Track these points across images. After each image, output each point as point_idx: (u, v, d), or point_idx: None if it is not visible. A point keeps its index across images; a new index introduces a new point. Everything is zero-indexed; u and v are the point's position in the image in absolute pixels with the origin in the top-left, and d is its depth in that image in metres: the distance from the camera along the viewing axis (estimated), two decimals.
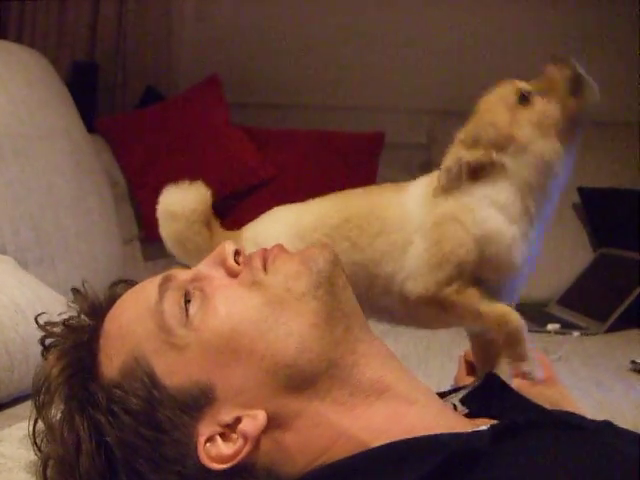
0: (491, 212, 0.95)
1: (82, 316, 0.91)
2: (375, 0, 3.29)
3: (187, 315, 0.82)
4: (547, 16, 3.11)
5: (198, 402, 0.80)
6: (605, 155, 2.98)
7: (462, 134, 1.00)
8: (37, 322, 0.92)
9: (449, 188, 0.97)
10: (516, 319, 0.97)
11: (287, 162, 2.82)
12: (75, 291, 0.94)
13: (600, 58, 3.20)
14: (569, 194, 2.86)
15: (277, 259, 0.87)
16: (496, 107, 0.99)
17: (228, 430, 0.80)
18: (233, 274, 0.86)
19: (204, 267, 0.88)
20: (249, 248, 1.03)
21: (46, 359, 0.87)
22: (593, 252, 2.82)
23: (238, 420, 0.80)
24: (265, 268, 0.86)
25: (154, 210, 2.89)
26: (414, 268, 0.96)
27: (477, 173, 0.97)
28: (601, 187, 2.86)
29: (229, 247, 0.88)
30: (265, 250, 0.89)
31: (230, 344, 0.80)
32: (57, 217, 1.73)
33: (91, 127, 2.57)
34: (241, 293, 0.84)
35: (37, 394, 0.85)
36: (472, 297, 0.96)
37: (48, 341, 0.90)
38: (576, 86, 0.97)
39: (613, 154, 3.00)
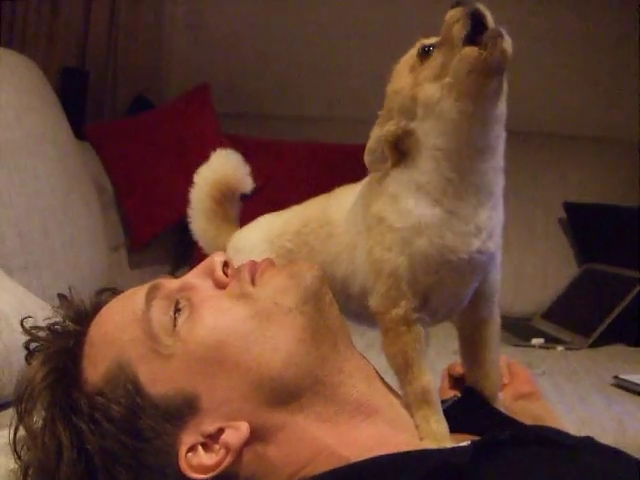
0: (416, 198, 0.85)
1: (67, 322, 0.90)
2: (365, 13, 3.30)
3: (175, 324, 0.83)
4: (539, 31, 3.13)
5: (181, 411, 0.80)
6: (590, 170, 3.00)
7: (379, 117, 0.91)
8: (22, 326, 0.92)
9: (375, 170, 0.90)
10: (432, 401, 0.87)
11: (276, 172, 2.82)
12: (61, 297, 0.94)
13: (584, 75, 3.23)
14: (554, 209, 2.87)
15: (265, 272, 0.87)
16: (400, 72, 0.91)
17: (210, 440, 0.80)
18: (221, 285, 0.87)
19: (192, 277, 0.89)
20: (230, 252, 1.04)
21: (30, 364, 0.87)
22: (578, 267, 2.84)
23: (221, 431, 0.80)
24: (253, 281, 0.86)
25: (141, 218, 2.89)
26: (365, 276, 0.90)
27: (402, 152, 0.88)
28: (586, 202, 2.87)
29: (218, 258, 0.89)
30: (254, 263, 0.89)
31: (216, 355, 0.81)
32: (43, 224, 1.72)
33: (80, 134, 2.57)
34: (229, 305, 0.84)
35: (20, 399, 0.84)
36: (413, 343, 0.87)
37: (32, 345, 0.90)
38: (474, 31, 0.81)
39: (598, 170, 3.02)
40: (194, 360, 0.81)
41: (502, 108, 0.85)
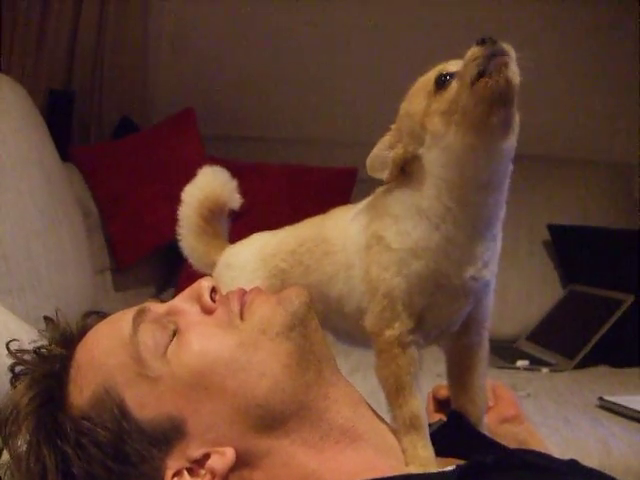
0: (415, 220, 0.86)
1: (53, 345, 0.90)
2: (348, 37, 3.32)
3: (164, 348, 0.83)
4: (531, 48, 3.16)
5: (168, 436, 0.80)
6: (574, 193, 3.02)
7: (390, 130, 0.92)
8: (8, 349, 0.91)
9: (374, 175, 0.90)
10: (421, 426, 0.87)
11: (260, 195, 2.83)
12: (47, 319, 0.94)
13: (568, 98, 3.26)
14: (539, 231, 2.89)
15: (254, 302, 0.87)
16: (416, 94, 0.90)
17: (196, 466, 0.80)
18: (207, 311, 0.87)
19: (179, 301, 0.89)
20: (220, 269, 1.04)
21: (15, 387, 0.87)
22: (562, 289, 2.85)
23: (207, 456, 0.80)
24: (242, 315, 0.86)
25: (126, 240, 2.88)
26: (361, 296, 0.89)
27: (406, 173, 0.88)
28: (570, 224, 2.89)
29: (205, 283, 0.89)
30: (243, 293, 0.89)
31: (202, 381, 0.81)
32: (28, 246, 1.71)
33: (65, 156, 2.56)
34: (216, 332, 0.84)
35: (4, 423, 0.84)
36: (407, 366, 0.87)
37: (18, 369, 0.90)
38: (484, 66, 0.81)
39: (582, 192, 3.04)
40: (180, 385, 0.81)
41: (511, 142, 0.85)
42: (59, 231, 1.92)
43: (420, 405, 0.88)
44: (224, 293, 0.91)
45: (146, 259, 2.73)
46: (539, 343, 2.62)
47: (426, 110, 0.86)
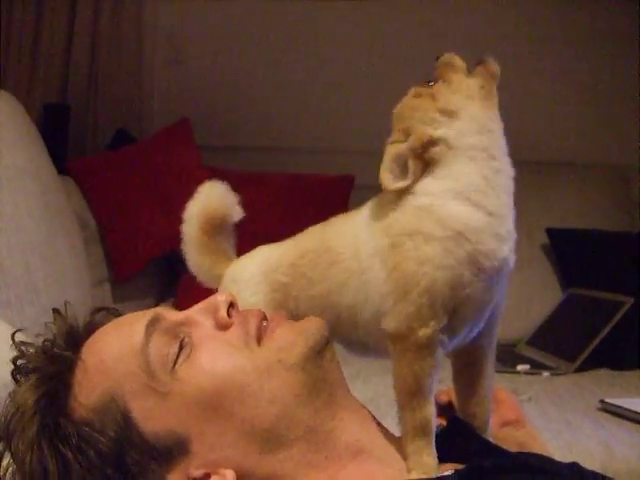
0: (456, 205, 0.85)
1: (59, 341, 0.89)
2: (343, 45, 3.33)
3: (175, 362, 0.82)
4: (521, 60, 3.17)
5: (170, 451, 0.80)
6: (572, 196, 3.03)
7: (391, 140, 0.92)
8: (13, 340, 0.90)
9: (394, 188, 0.88)
10: (429, 433, 0.86)
11: (257, 205, 2.82)
12: (56, 312, 0.93)
13: (566, 102, 3.26)
14: (537, 235, 2.89)
15: (276, 330, 0.86)
16: (410, 97, 0.95)
17: None
18: (222, 327, 0.86)
19: (195, 313, 0.87)
20: (226, 283, 1.02)
21: (20, 385, 0.86)
22: (562, 292, 2.84)
23: (207, 476, 0.80)
24: (259, 339, 0.85)
25: (124, 252, 2.88)
26: (381, 299, 0.87)
27: (426, 165, 0.87)
28: (569, 228, 2.89)
29: (221, 298, 0.88)
30: (263, 315, 0.88)
31: (211, 402, 0.80)
32: (25, 259, 1.71)
33: (62, 169, 2.56)
34: (230, 351, 0.83)
35: (8, 422, 0.83)
36: (429, 369, 0.85)
37: (20, 362, 0.88)
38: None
39: (580, 195, 3.04)
40: (189, 403, 0.80)
41: None
42: (56, 243, 1.91)
43: (433, 411, 0.87)
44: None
45: (145, 270, 2.73)
46: (539, 347, 2.61)
47: (431, 97, 0.91)
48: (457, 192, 0.85)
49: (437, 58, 0.95)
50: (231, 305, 0.88)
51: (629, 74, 3.19)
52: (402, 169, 0.88)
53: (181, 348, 0.83)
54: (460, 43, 3.24)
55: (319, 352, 0.85)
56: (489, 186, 0.86)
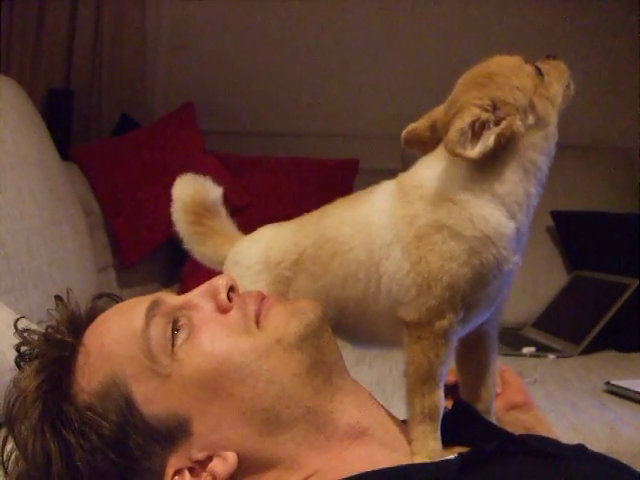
0: (491, 208, 0.83)
1: (62, 328, 0.89)
2: (347, 29, 3.31)
3: (173, 345, 0.82)
4: (527, 40, 3.15)
5: (172, 434, 0.80)
6: (577, 178, 3.01)
7: (475, 95, 0.84)
8: (16, 327, 0.91)
9: (454, 153, 0.82)
10: (437, 418, 0.86)
11: (261, 189, 2.83)
12: (57, 299, 0.93)
13: (575, 82, 3.25)
14: (542, 218, 2.88)
15: (271, 311, 0.86)
16: (519, 71, 0.87)
17: (198, 467, 0.80)
18: (223, 310, 0.86)
19: (195, 296, 0.88)
20: (228, 265, 1.02)
21: (23, 370, 0.86)
22: (567, 275, 2.84)
23: (209, 459, 0.80)
24: (258, 321, 0.85)
25: (129, 238, 2.88)
26: (401, 290, 0.85)
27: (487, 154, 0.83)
28: (574, 210, 2.88)
29: (223, 281, 0.88)
30: (262, 297, 0.89)
31: (211, 383, 0.80)
32: (29, 245, 1.71)
33: (66, 155, 2.56)
34: (229, 334, 0.84)
35: (11, 407, 0.84)
36: (444, 357, 0.85)
37: (24, 349, 0.89)
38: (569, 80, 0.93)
39: (585, 177, 3.03)
40: (189, 384, 0.81)
41: None
42: (60, 229, 1.91)
43: (442, 397, 0.86)
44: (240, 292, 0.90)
45: (150, 255, 2.73)
46: (545, 330, 2.62)
47: (535, 90, 0.87)
48: (498, 196, 0.84)
49: (552, 56, 0.94)
50: (231, 288, 0.89)
51: (633, 57, 3.17)
52: (472, 138, 0.83)
53: (177, 330, 0.83)
54: (463, 31, 3.24)
55: (315, 332, 0.85)
56: (526, 203, 0.86)
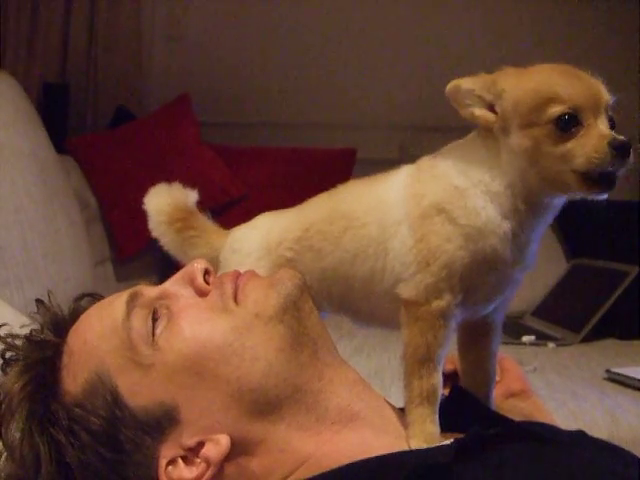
0: (484, 200, 0.84)
1: (45, 330, 0.89)
2: (343, 19, 3.30)
3: (153, 334, 0.82)
4: (516, 36, 3.14)
5: (161, 424, 0.79)
6: None
7: (511, 80, 0.85)
8: None
9: (461, 106, 0.84)
10: (435, 401, 0.86)
11: (258, 180, 2.82)
12: (39, 302, 0.93)
13: None
14: None
15: (247, 285, 0.86)
16: (528, 95, 0.83)
17: (191, 454, 0.80)
18: (201, 293, 0.86)
19: (171, 285, 0.88)
20: (226, 253, 1.02)
21: (7, 374, 0.86)
22: (567, 263, 2.84)
23: (201, 444, 0.79)
24: (236, 299, 0.85)
25: (126, 230, 2.87)
26: (402, 267, 0.86)
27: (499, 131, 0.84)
28: (572, 198, 2.87)
29: (199, 265, 0.88)
30: (237, 275, 0.88)
31: (194, 367, 0.80)
32: (24, 238, 1.71)
33: (62, 148, 2.55)
34: (208, 316, 0.83)
35: None
36: (443, 338, 0.85)
37: (9, 354, 0.89)
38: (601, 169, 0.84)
39: None
40: (172, 371, 0.80)
41: None
42: (55, 222, 1.91)
43: (440, 380, 0.86)
44: None
45: (147, 248, 2.72)
46: (545, 318, 2.61)
47: (533, 120, 0.82)
48: (490, 192, 0.85)
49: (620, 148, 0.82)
50: (206, 272, 0.88)
51: (632, 51, 3.17)
52: (478, 103, 0.85)
53: (155, 319, 0.83)
54: (456, 27, 3.23)
55: (295, 302, 0.85)
56: (516, 213, 0.84)
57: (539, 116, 0.81)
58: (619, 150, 0.80)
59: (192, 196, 1.07)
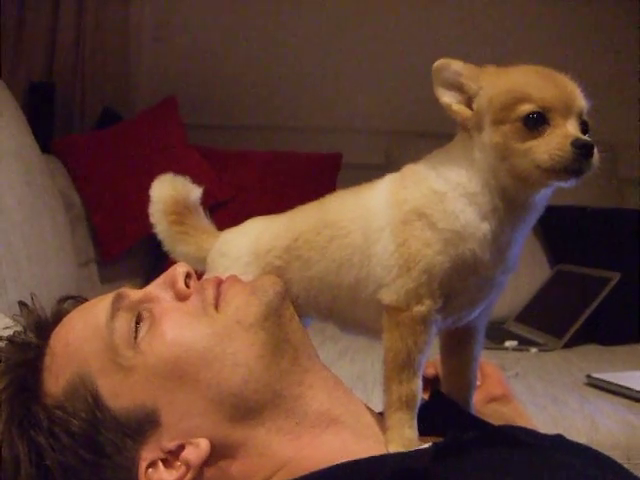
0: (463, 203, 0.84)
1: (28, 332, 0.89)
2: (329, 23, 3.31)
3: (135, 337, 0.82)
4: (502, 43, 3.16)
5: (142, 426, 0.80)
6: None
7: (486, 74, 0.87)
8: None
9: (440, 93, 0.86)
10: (414, 407, 0.86)
11: (244, 183, 2.82)
12: (22, 304, 0.93)
13: None
14: None
15: (229, 292, 0.86)
16: (502, 93, 0.85)
17: (171, 457, 0.80)
18: (182, 297, 0.86)
19: (154, 288, 0.88)
20: (214, 256, 1.02)
21: None
22: (550, 269, 2.85)
23: (181, 447, 0.80)
24: (217, 305, 0.85)
25: (111, 231, 2.86)
26: (384, 271, 0.86)
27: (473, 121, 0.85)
28: (556, 205, 2.88)
29: (180, 269, 0.88)
30: (219, 281, 0.89)
31: (175, 371, 0.80)
32: (7, 239, 1.70)
33: (48, 148, 2.54)
34: (189, 320, 0.84)
35: None
36: (423, 344, 0.85)
37: None
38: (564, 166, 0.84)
39: None
40: (154, 374, 0.81)
41: None
42: (40, 223, 1.90)
43: (420, 386, 0.87)
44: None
45: (132, 250, 2.72)
46: (528, 324, 2.62)
47: (504, 117, 0.83)
48: (468, 194, 0.85)
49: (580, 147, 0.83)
50: (188, 276, 0.89)
51: (617, 52, 3.19)
52: (458, 91, 0.87)
53: (138, 322, 0.83)
54: (446, 28, 3.25)
55: (276, 310, 0.85)
56: (495, 213, 0.85)
57: (509, 113, 0.83)
58: (581, 149, 0.81)
59: (195, 192, 1.07)
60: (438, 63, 0.88)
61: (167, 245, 1.07)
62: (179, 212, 1.06)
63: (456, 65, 0.88)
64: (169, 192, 1.06)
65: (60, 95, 3.15)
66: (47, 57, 3.19)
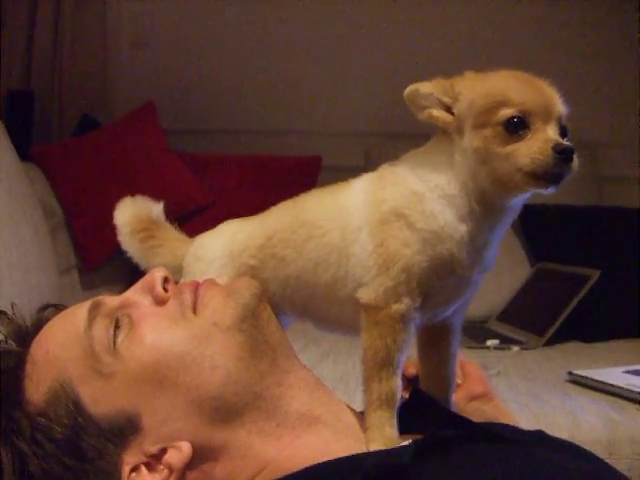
0: (442, 205, 0.85)
1: (8, 340, 0.89)
2: (308, 26, 3.31)
3: (114, 342, 0.82)
4: (480, 45, 3.18)
5: (123, 431, 0.80)
6: None
7: (468, 83, 0.88)
8: None
9: (417, 107, 0.87)
10: (393, 405, 0.86)
11: (224, 187, 2.82)
12: (2, 313, 0.93)
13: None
14: None
15: (206, 295, 0.87)
16: (483, 96, 0.86)
17: (154, 460, 0.81)
18: (160, 302, 0.87)
19: (132, 293, 0.88)
20: (189, 260, 1.02)
21: None
22: (531, 267, 2.87)
23: (164, 451, 0.80)
24: (195, 309, 0.86)
25: (91, 239, 2.84)
26: (363, 271, 0.87)
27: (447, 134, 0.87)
28: (536, 203, 2.90)
29: (158, 274, 0.89)
30: (197, 285, 0.89)
31: (155, 375, 0.81)
32: None
33: (27, 156, 2.53)
34: (168, 324, 0.84)
35: None
36: (402, 342, 0.86)
37: None
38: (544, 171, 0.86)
39: None
40: (133, 379, 0.81)
41: None
42: (19, 231, 1.90)
43: (399, 384, 0.87)
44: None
45: (113, 257, 2.70)
46: (509, 322, 2.64)
47: (485, 121, 0.84)
48: (446, 195, 0.86)
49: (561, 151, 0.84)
50: (166, 280, 0.89)
51: (597, 49, 3.22)
52: (426, 106, 0.88)
53: (117, 328, 0.84)
54: (437, 32, 3.26)
55: (253, 311, 0.86)
56: (472, 214, 0.86)
57: (490, 117, 0.84)
58: (562, 154, 0.82)
59: (156, 207, 1.09)
60: (407, 92, 0.88)
61: (143, 264, 1.07)
62: (147, 228, 1.07)
63: (424, 87, 0.88)
64: (131, 213, 1.07)
65: (38, 102, 3.13)
66: (24, 65, 3.17)
